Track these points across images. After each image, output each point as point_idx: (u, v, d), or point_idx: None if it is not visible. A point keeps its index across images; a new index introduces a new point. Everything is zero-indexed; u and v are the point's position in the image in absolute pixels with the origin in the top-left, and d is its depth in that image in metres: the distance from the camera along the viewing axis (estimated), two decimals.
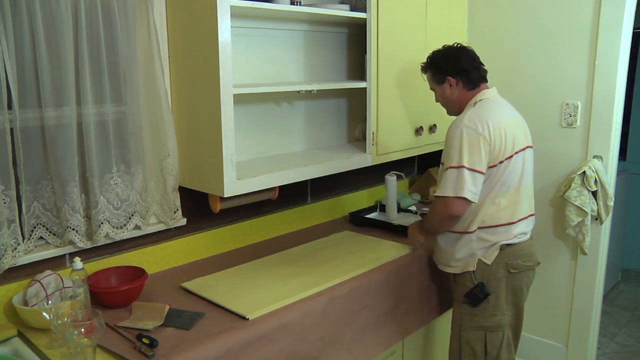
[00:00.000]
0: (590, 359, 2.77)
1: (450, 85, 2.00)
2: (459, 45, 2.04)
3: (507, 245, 1.92)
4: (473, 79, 1.98)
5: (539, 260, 2.05)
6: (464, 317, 2.01)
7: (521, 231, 1.95)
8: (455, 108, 2.05)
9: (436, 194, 1.90)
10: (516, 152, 1.89)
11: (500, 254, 1.91)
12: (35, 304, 1.57)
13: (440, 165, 1.98)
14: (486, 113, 1.89)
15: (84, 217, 1.77)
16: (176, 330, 1.56)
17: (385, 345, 2.03)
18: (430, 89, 2.11)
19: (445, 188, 1.84)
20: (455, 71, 1.98)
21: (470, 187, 1.81)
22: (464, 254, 1.96)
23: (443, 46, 2.07)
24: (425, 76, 2.12)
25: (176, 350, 1.44)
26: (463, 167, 1.81)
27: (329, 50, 2.54)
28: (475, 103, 1.95)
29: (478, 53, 2.90)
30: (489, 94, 1.98)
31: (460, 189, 1.81)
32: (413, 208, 2.75)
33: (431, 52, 2.08)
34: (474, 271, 1.94)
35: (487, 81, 2.04)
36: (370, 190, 2.89)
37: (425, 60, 2.10)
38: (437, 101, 2.12)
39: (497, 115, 1.89)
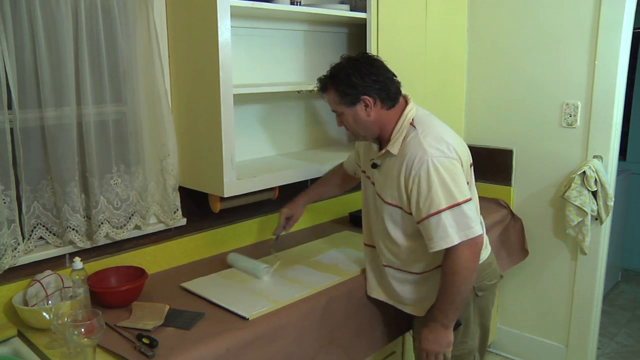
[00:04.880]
0: (590, 359, 2.77)
1: (367, 106, 1.62)
2: (367, 56, 1.67)
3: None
4: (392, 95, 1.64)
5: (501, 273, 1.89)
6: None
7: (485, 242, 1.81)
8: (373, 132, 1.68)
9: (437, 248, 1.57)
10: (470, 167, 1.73)
11: None
12: (35, 304, 1.57)
13: (385, 206, 1.70)
14: (437, 133, 1.62)
15: (84, 217, 1.77)
16: (176, 330, 1.56)
17: (383, 343, 2.03)
18: (333, 111, 1.71)
19: (447, 237, 1.54)
20: (372, 88, 1.60)
21: (477, 220, 1.58)
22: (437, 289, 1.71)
23: (344, 58, 1.67)
24: (325, 97, 1.69)
25: (176, 350, 1.44)
26: (458, 204, 1.54)
27: (329, 50, 2.54)
28: (411, 125, 1.64)
29: (478, 53, 2.94)
30: (417, 110, 1.69)
31: (467, 229, 1.54)
32: None
33: (331, 66, 1.67)
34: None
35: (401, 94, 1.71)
36: None
37: (323, 77, 1.68)
38: (340, 126, 1.73)
39: (445, 133, 1.64)
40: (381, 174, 1.73)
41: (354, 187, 2.81)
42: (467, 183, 1.64)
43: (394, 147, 1.65)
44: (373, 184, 1.79)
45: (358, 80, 1.60)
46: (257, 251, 2.22)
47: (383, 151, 1.68)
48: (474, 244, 1.57)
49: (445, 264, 1.60)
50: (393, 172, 1.66)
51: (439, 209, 1.54)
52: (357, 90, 1.61)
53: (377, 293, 1.91)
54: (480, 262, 1.75)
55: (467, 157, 1.70)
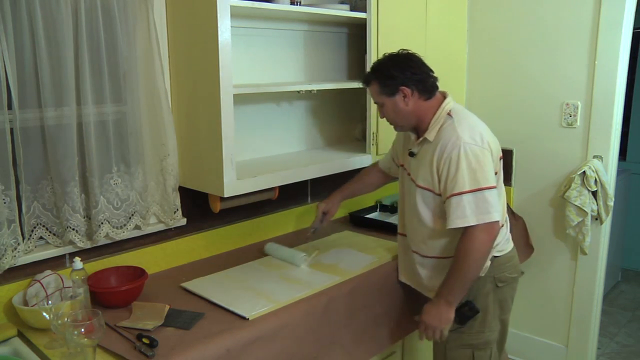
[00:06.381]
0: (590, 359, 2.77)
1: (405, 96, 1.77)
2: (406, 52, 1.83)
3: (496, 256, 1.83)
4: (428, 87, 1.79)
5: (522, 269, 1.98)
6: (449, 336, 1.85)
7: (507, 237, 1.90)
8: (411, 121, 1.83)
9: (453, 226, 1.67)
10: (500, 159, 1.83)
11: (490, 267, 1.82)
12: (35, 304, 1.57)
13: (418, 189, 1.81)
14: (471, 124, 1.75)
15: (84, 217, 1.77)
16: (176, 330, 1.56)
17: (385, 345, 2.03)
18: (375, 102, 1.87)
19: (464, 217, 1.65)
20: (410, 79, 1.76)
21: (497, 207, 1.67)
22: None
23: (386, 54, 1.85)
24: (369, 89, 1.87)
25: (176, 350, 1.44)
26: (481, 189, 1.65)
27: (329, 50, 2.54)
28: (448, 115, 1.77)
29: (478, 53, 2.94)
30: (453, 103, 1.82)
31: (485, 214, 1.64)
32: None
33: (374, 62, 1.86)
34: None
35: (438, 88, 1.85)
36: None
37: (367, 73, 1.87)
38: (382, 117, 1.88)
39: (479, 125, 1.77)
40: (417, 160, 1.85)
41: None
42: (496, 173, 1.75)
43: (430, 134, 1.78)
44: (409, 174, 1.90)
45: (397, 73, 1.76)
46: (258, 251, 2.22)
47: (420, 139, 1.82)
48: (491, 228, 1.67)
49: (460, 244, 1.71)
50: (427, 156, 1.78)
51: (461, 190, 1.66)
52: (396, 82, 1.76)
53: (405, 278, 2.05)
54: (503, 253, 1.86)
55: (498, 151, 1.81)
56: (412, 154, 1.87)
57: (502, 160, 1.85)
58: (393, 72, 1.77)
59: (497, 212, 1.67)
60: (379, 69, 1.81)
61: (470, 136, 1.70)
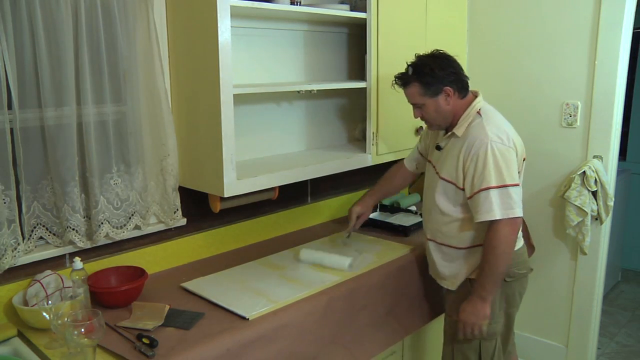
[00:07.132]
0: (590, 359, 2.77)
1: (448, 96, 1.82)
2: (441, 52, 1.87)
3: None
4: (465, 86, 1.86)
5: (532, 267, 2.02)
6: (457, 326, 1.91)
7: (520, 235, 1.93)
8: (448, 120, 1.88)
9: (481, 219, 1.74)
10: (523, 160, 1.89)
11: None
12: (35, 304, 1.57)
13: (440, 181, 1.88)
14: (499, 124, 1.81)
15: (84, 217, 1.77)
16: (176, 330, 1.56)
17: (385, 345, 2.03)
18: (413, 104, 1.89)
19: (491, 211, 1.72)
20: (451, 79, 1.81)
21: (520, 204, 1.75)
22: (473, 265, 1.89)
23: (420, 55, 1.88)
24: (406, 91, 1.88)
25: (176, 350, 1.44)
26: (506, 185, 1.72)
27: (329, 50, 2.54)
28: (477, 113, 1.83)
29: (478, 53, 2.95)
30: (483, 102, 1.88)
31: (509, 209, 1.72)
32: (413, 208, 2.75)
33: (411, 62, 1.87)
34: (470, 280, 1.90)
35: None
36: None
37: (403, 74, 1.87)
38: (417, 117, 1.91)
39: (505, 125, 1.83)
40: (443, 154, 1.92)
41: (353, 187, 2.83)
42: (519, 172, 1.81)
43: (459, 130, 1.85)
44: (434, 166, 1.97)
45: (440, 73, 1.80)
46: (258, 251, 2.22)
47: (449, 133, 1.88)
48: (514, 223, 1.75)
49: (486, 239, 1.78)
50: (454, 151, 1.85)
51: (489, 185, 1.73)
52: (439, 82, 1.81)
53: (428, 264, 2.12)
54: (513, 249, 1.86)
55: (522, 152, 1.88)
56: (438, 148, 1.94)
57: (525, 161, 1.90)
58: (437, 72, 1.80)
59: (520, 208, 1.75)
60: (420, 69, 1.82)
61: (497, 135, 1.76)
